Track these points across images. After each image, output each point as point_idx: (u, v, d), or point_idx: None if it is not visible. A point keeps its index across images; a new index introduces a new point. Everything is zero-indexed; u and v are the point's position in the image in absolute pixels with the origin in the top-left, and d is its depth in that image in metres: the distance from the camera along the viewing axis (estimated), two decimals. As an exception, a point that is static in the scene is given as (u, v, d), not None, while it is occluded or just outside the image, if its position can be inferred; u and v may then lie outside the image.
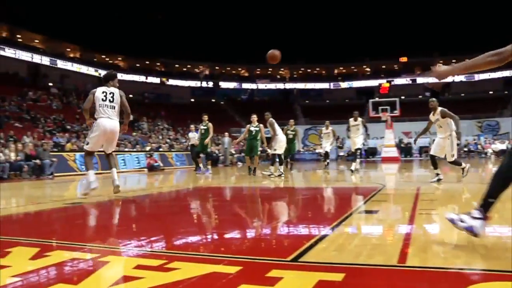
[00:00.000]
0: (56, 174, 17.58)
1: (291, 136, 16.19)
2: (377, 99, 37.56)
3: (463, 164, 10.08)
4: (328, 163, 18.29)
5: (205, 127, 16.09)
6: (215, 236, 3.96)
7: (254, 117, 14.93)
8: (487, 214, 3.07)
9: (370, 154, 35.86)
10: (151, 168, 21.84)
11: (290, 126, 16.50)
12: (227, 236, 3.89)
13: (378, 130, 32.85)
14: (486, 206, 3.09)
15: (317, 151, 36.52)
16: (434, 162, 9.85)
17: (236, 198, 8.23)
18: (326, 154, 18.37)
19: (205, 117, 16.23)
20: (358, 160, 15.08)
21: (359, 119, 15.07)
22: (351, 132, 15.01)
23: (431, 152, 10.04)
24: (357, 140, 14.91)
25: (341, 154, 36.39)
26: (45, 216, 5.76)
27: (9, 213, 5.93)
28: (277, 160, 13.77)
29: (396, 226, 4.13)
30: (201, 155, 16.80)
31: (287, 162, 17.05)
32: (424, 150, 35.19)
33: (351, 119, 15.06)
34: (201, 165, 16.81)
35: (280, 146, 13.96)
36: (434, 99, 10.02)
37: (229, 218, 5.21)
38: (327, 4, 54.35)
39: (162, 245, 3.54)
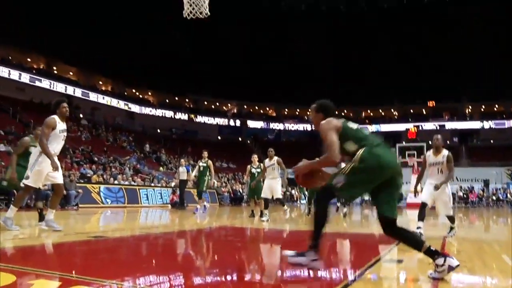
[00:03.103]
0: (80, 205, 17.73)
1: None
2: (404, 143, 37.30)
3: (455, 224, 8.29)
4: (345, 213, 14.60)
5: (205, 164, 15.29)
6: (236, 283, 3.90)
7: (255, 157, 14.03)
8: None
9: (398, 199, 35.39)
10: (174, 204, 21.82)
11: None
12: (249, 280, 3.83)
13: (405, 175, 32.45)
14: None
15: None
16: (423, 212, 7.99)
17: (255, 241, 8.14)
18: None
19: (205, 154, 15.48)
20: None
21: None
22: None
23: (424, 199, 8.05)
24: None
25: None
26: (69, 249, 5.78)
27: (35, 243, 5.97)
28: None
29: (422, 278, 4.02)
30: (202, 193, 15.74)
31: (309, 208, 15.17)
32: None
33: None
34: (198, 205, 15.90)
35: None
36: (439, 136, 8.38)
37: (248, 263, 5.15)
38: (356, 48, 54.64)
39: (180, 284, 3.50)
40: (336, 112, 4.48)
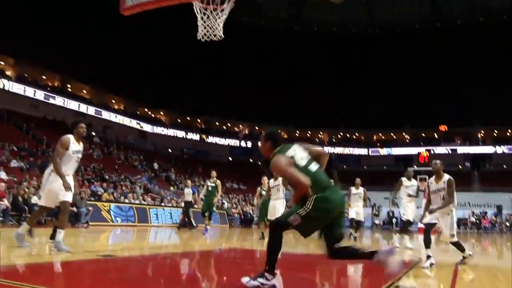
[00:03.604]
0: (90, 223, 17.72)
1: None
2: (415, 167, 37.02)
3: (467, 252, 7.73)
4: (355, 237, 14.08)
5: (213, 184, 15.14)
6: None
7: (265, 179, 13.71)
8: None
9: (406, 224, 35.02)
10: (184, 225, 21.70)
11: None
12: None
13: (417, 199, 32.16)
14: None
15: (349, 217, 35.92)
16: (428, 237, 7.51)
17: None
18: (357, 223, 14.61)
19: (214, 174, 15.24)
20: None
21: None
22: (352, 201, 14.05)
23: (426, 220, 7.66)
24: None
25: (377, 222, 35.66)
26: (77, 268, 5.77)
27: (43, 261, 5.96)
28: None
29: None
30: (206, 214, 15.61)
31: None
32: (463, 222, 34.20)
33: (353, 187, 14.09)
34: (208, 226, 15.72)
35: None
36: (438, 161, 7.92)
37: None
38: (368, 72, 54.71)
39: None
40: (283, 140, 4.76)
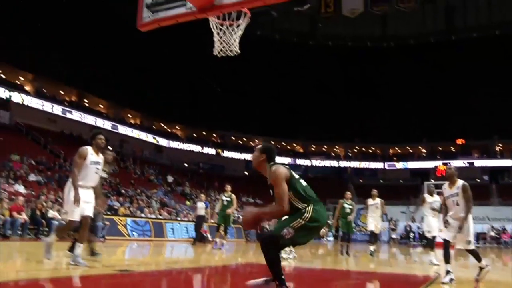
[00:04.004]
0: (106, 237, 17.76)
1: (348, 211, 13.93)
2: (432, 181, 36.70)
3: (483, 262, 7.28)
4: (373, 251, 13.74)
5: (229, 199, 14.90)
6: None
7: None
8: None
9: (423, 238, 34.58)
10: (200, 239, 21.65)
11: (346, 199, 14.15)
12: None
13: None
14: None
15: (368, 230, 35.63)
16: (448, 253, 7.29)
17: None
18: (374, 236, 14.23)
19: (228, 188, 15.11)
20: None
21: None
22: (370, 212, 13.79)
23: (446, 237, 7.36)
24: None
25: (394, 236, 35.34)
26: (94, 282, 5.78)
27: (62, 275, 5.99)
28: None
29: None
30: (222, 228, 15.20)
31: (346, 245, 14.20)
32: (482, 237, 33.73)
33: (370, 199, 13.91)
34: (217, 239, 15.43)
35: None
36: (452, 165, 7.79)
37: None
38: (383, 85, 54.60)
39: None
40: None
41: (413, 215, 11.69)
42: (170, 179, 39.90)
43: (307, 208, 4.44)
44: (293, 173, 4.64)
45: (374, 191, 13.87)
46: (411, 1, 26.56)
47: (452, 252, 7.52)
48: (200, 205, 18.44)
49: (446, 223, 7.56)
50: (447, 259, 7.24)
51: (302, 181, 4.65)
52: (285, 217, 4.51)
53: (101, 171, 7.37)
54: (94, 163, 7.15)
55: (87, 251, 8.06)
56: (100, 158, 7.29)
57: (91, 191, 7.19)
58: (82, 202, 6.92)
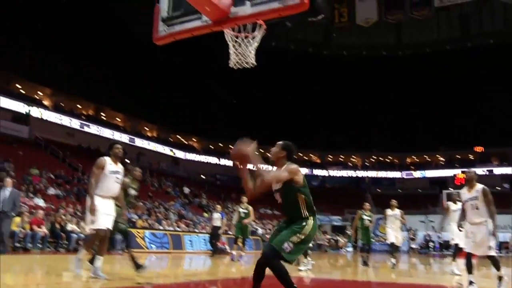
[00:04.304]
0: (125, 250, 17.80)
1: (367, 222, 13.95)
2: (451, 189, 36.30)
3: (502, 271, 7.12)
4: (395, 263, 13.41)
5: (246, 210, 14.67)
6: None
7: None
8: None
9: (444, 248, 34.15)
10: (218, 251, 21.59)
11: (365, 210, 14.09)
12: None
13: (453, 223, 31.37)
14: None
15: (388, 241, 35.31)
16: (470, 263, 7.09)
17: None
18: (395, 247, 13.76)
19: (244, 199, 14.80)
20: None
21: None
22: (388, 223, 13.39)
23: (468, 249, 7.14)
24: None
25: (413, 246, 34.97)
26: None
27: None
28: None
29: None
30: (240, 240, 14.95)
31: (366, 255, 14.25)
32: (504, 246, 33.16)
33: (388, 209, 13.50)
34: (235, 251, 15.17)
35: None
36: (472, 169, 7.70)
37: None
38: (399, 93, 54.37)
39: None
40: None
41: (442, 224, 11.12)
42: (186, 190, 39.98)
43: (308, 221, 4.53)
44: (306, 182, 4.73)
45: (393, 201, 13.54)
46: (425, 9, 26.50)
47: (474, 261, 7.34)
48: (216, 215, 18.41)
49: (460, 226, 7.48)
50: (469, 269, 7.08)
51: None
52: (285, 229, 4.58)
53: (121, 181, 7.34)
54: (113, 172, 7.16)
55: (132, 266, 8.05)
56: (119, 167, 7.30)
57: (112, 202, 7.19)
58: (103, 214, 6.95)
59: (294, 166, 4.72)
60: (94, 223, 6.92)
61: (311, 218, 4.56)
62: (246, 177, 4.94)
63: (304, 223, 4.50)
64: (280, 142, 5.20)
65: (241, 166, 4.89)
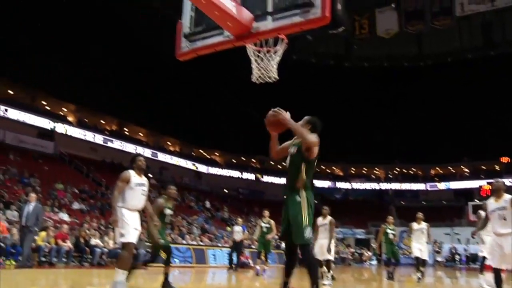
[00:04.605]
0: (148, 264, 17.81)
1: (391, 236, 13.76)
2: (477, 201, 35.71)
3: None
4: (420, 277, 13.12)
5: (268, 225, 14.55)
6: None
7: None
8: None
9: (471, 261, 33.50)
10: (241, 265, 21.46)
11: (389, 224, 13.90)
12: None
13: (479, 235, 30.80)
14: None
15: (412, 255, 34.78)
16: (500, 277, 6.82)
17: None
18: (422, 261, 13.35)
19: (266, 213, 14.78)
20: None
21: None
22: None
23: (495, 264, 6.86)
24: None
25: (439, 259, 34.44)
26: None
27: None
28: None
29: None
30: (262, 254, 14.86)
31: (393, 268, 14.01)
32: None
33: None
34: (258, 266, 15.04)
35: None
36: (499, 179, 7.51)
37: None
38: (422, 104, 53.95)
39: None
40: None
41: (481, 237, 10.37)
42: (207, 204, 40.04)
43: (301, 194, 5.06)
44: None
45: (420, 214, 13.19)
46: (446, 18, 26.35)
47: (503, 275, 7.13)
48: (237, 229, 18.17)
49: (474, 234, 7.31)
50: (498, 284, 6.86)
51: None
52: (291, 220, 4.94)
53: (146, 193, 7.31)
54: (139, 184, 7.15)
55: (162, 282, 8.07)
56: (144, 180, 7.29)
57: (137, 214, 7.19)
58: (132, 228, 6.98)
59: (315, 138, 5.24)
60: (123, 236, 6.91)
61: (303, 191, 5.04)
62: (274, 141, 5.64)
63: (298, 198, 4.97)
64: (307, 117, 5.63)
65: (274, 132, 5.49)
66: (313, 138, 5.17)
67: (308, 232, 4.67)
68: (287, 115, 5.32)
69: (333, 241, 11.55)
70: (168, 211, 8.73)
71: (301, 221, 4.74)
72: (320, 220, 11.37)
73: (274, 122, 5.31)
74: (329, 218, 11.26)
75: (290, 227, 4.93)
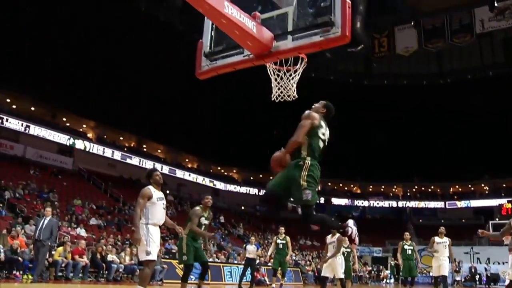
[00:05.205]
0: (164, 281, 17.82)
1: (409, 252, 13.49)
2: (497, 220, 35.22)
3: None
4: None
5: (284, 242, 14.24)
6: None
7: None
8: None
9: (492, 281, 32.86)
10: (257, 283, 21.28)
11: (406, 240, 13.76)
12: None
13: (500, 255, 30.18)
14: None
15: (431, 274, 34.22)
16: None
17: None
18: (443, 278, 12.36)
19: (282, 230, 14.53)
20: None
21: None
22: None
23: None
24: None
25: (458, 278, 33.84)
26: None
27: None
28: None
29: None
30: (279, 272, 14.87)
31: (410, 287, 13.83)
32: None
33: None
34: (274, 284, 15.07)
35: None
36: None
37: None
38: (441, 121, 53.57)
39: None
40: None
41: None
42: (221, 219, 40.00)
43: (305, 161, 5.02)
44: (323, 128, 5.31)
45: (442, 229, 12.61)
46: (467, 35, 26.19)
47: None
48: (250, 248, 17.75)
49: None
50: None
51: (321, 142, 5.26)
52: (291, 185, 4.96)
53: (165, 206, 7.35)
54: (160, 199, 7.17)
55: None
56: (162, 193, 7.32)
57: (158, 229, 7.15)
58: (156, 245, 6.96)
59: (315, 114, 5.29)
60: (150, 254, 6.85)
61: (309, 158, 5.02)
62: (289, 150, 5.25)
63: (300, 162, 4.99)
64: (324, 101, 5.72)
65: (277, 170, 5.28)
66: (303, 123, 5.22)
67: (307, 194, 4.78)
68: (277, 155, 5.28)
69: (339, 256, 11.31)
70: (205, 221, 8.75)
71: (299, 182, 4.83)
72: (328, 238, 11.36)
73: (278, 164, 5.22)
74: (337, 235, 10.99)
75: (282, 183, 5.13)
